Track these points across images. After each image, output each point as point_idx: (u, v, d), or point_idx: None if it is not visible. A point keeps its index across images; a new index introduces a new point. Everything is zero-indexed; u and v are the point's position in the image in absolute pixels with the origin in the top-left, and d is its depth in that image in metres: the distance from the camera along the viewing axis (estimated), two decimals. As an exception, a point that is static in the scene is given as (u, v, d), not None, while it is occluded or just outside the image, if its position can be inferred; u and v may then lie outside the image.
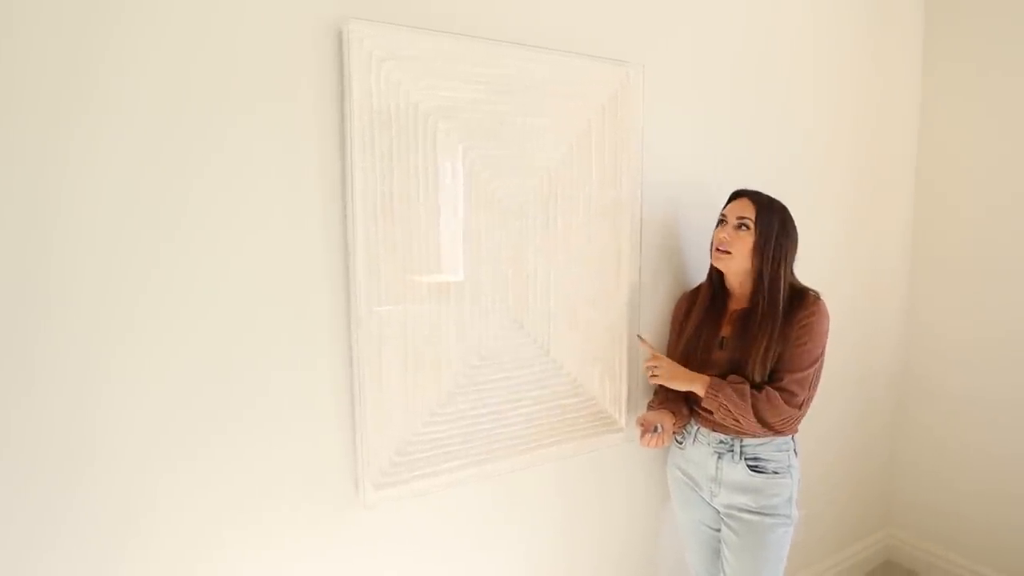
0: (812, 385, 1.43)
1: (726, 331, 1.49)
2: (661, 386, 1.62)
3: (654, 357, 1.50)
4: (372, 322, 1.21)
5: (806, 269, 1.50)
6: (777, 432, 1.42)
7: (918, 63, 2.29)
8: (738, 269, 1.46)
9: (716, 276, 1.53)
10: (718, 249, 1.46)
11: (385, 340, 1.22)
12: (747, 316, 1.45)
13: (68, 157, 0.95)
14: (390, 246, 1.21)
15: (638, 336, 1.56)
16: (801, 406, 1.41)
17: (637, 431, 1.46)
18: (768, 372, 1.40)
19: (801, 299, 1.44)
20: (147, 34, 0.98)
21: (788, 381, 1.39)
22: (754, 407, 1.37)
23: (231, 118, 1.06)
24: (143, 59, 0.98)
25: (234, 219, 1.08)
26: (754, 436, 1.44)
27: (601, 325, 1.52)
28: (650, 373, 1.49)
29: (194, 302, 1.06)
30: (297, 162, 1.12)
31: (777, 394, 1.38)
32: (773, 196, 1.47)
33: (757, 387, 1.40)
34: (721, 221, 1.49)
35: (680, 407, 1.52)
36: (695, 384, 1.44)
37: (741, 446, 1.46)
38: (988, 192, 2.15)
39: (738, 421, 1.40)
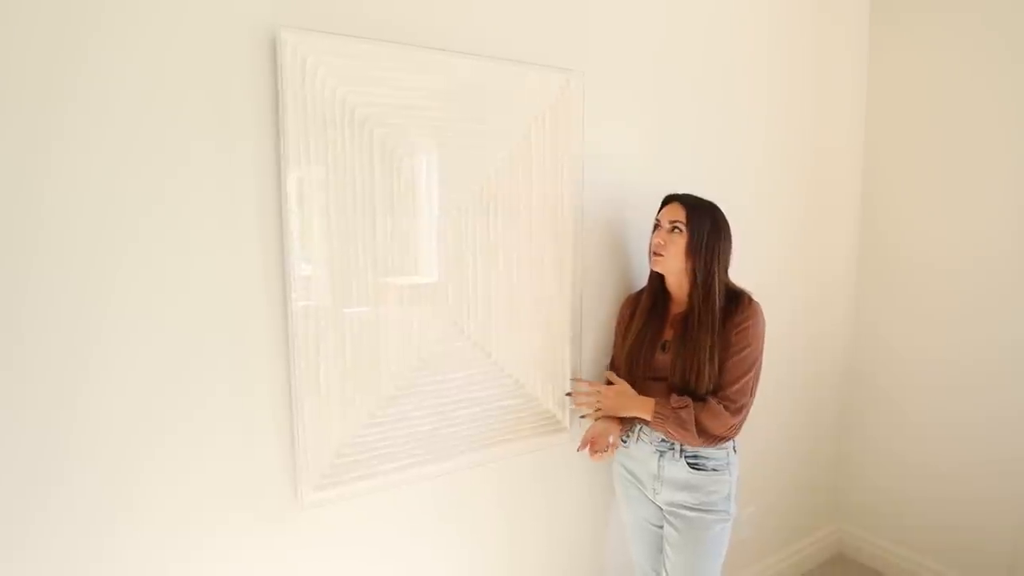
0: (752, 390, 1.46)
1: (668, 334, 1.52)
2: None
3: (592, 388, 1.56)
4: (310, 324, 1.21)
5: (756, 271, 1.52)
6: (721, 440, 1.44)
7: (864, 66, 2.35)
8: (673, 269, 1.49)
9: (657, 280, 1.56)
10: (654, 253, 1.50)
11: (323, 342, 1.23)
12: (687, 318, 1.48)
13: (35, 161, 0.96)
14: (327, 250, 1.22)
15: (572, 383, 1.60)
16: (743, 411, 1.44)
17: (580, 440, 1.51)
18: (717, 373, 1.43)
19: (737, 302, 1.47)
20: (79, 37, 0.98)
21: (731, 391, 1.42)
22: (698, 426, 1.40)
23: (166, 125, 1.06)
24: (75, 64, 0.98)
25: (173, 220, 1.08)
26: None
27: (543, 327, 1.54)
28: (595, 407, 1.55)
29: (137, 303, 1.07)
30: (233, 168, 1.13)
31: (720, 406, 1.41)
32: (705, 199, 1.50)
33: (701, 397, 1.42)
34: (656, 226, 1.53)
35: None
36: (642, 410, 1.47)
37: (681, 444, 1.49)
38: (933, 198, 2.21)
39: (684, 439, 1.43)
